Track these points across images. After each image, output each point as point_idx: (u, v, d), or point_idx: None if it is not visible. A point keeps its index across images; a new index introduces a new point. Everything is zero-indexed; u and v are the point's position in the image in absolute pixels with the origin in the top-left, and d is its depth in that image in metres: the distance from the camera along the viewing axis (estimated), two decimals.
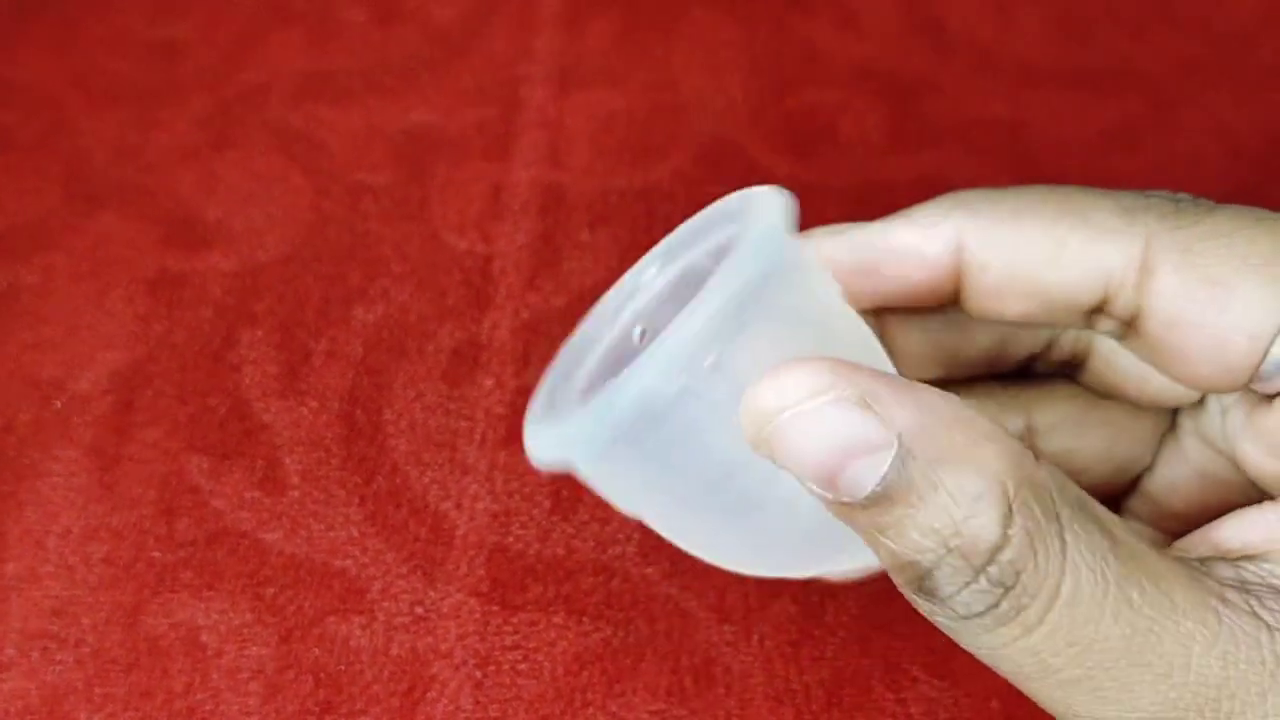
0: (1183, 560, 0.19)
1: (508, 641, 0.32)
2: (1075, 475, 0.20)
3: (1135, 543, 0.18)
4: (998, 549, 0.18)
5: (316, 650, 0.31)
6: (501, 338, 0.36)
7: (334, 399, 0.35)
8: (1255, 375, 0.21)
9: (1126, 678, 0.18)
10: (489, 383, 0.35)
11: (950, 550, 0.18)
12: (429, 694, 0.31)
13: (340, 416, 0.35)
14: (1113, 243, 0.21)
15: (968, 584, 0.18)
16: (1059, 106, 0.42)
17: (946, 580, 0.18)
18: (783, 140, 0.41)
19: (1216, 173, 0.40)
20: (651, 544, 0.33)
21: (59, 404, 0.36)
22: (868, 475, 0.17)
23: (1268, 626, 0.18)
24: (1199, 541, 0.20)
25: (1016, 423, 0.26)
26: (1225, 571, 0.19)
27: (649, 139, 0.41)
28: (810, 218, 0.39)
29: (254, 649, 0.31)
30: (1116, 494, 0.27)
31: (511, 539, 0.33)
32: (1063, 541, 0.18)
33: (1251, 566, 0.19)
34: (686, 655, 0.32)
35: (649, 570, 0.33)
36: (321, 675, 0.31)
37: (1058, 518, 0.18)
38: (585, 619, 0.32)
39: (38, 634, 0.32)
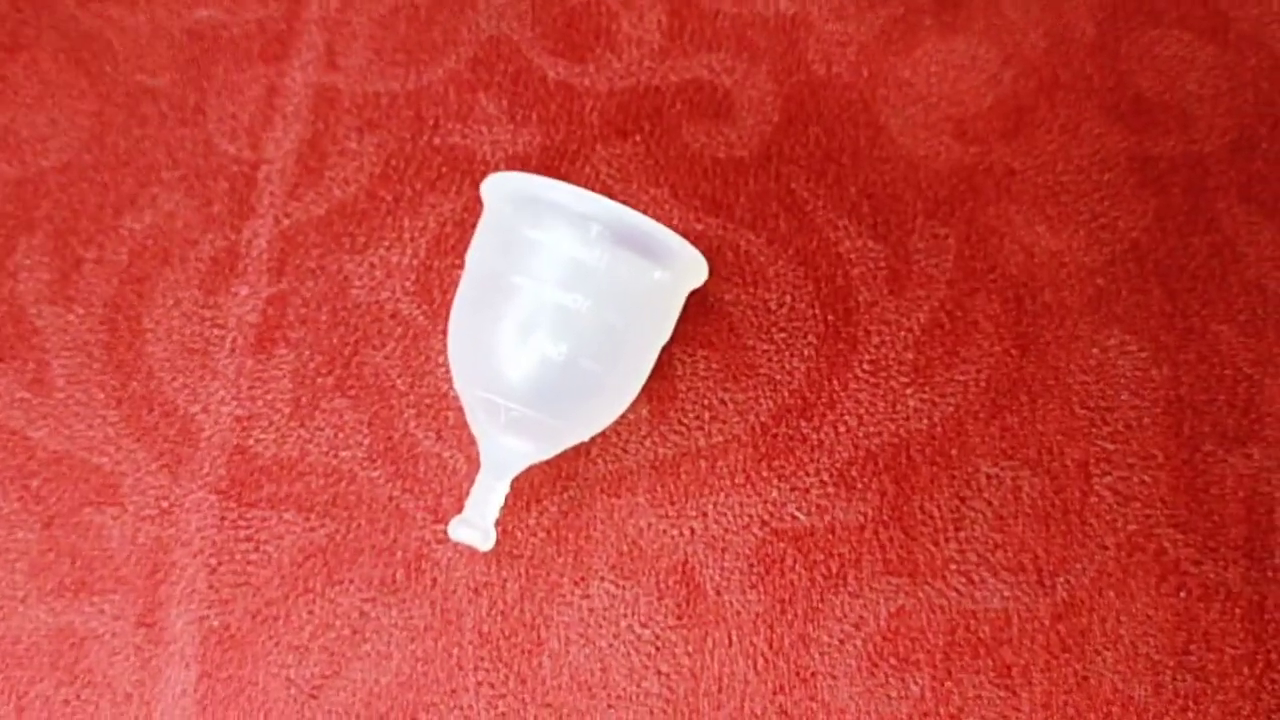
0: None
1: (241, 535, 0.35)
2: None
3: None
4: None
5: (74, 536, 0.35)
6: (259, 247, 0.38)
7: (99, 305, 0.38)
8: None
9: None
10: (244, 291, 0.38)
11: None
12: (170, 577, 0.35)
13: (104, 322, 0.38)
14: None
15: None
16: (841, 3, 0.41)
17: None
18: (562, 42, 0.41)
19: None
20: (380, 449, 0.36)
21: None
22: None
23: None
24: None
25: None
26: None
27: (428, 36, 0.41)
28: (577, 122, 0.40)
29: (20, 533, 0.35)
30: None
31: (252, 441, 0.36)
32: None
33: None
34: (400, 550, 0.35)
35: (375, 474, 0.36)
36: (78, 559, 0.35)
37: None
38: (313, 516, 0.35)
39: None
